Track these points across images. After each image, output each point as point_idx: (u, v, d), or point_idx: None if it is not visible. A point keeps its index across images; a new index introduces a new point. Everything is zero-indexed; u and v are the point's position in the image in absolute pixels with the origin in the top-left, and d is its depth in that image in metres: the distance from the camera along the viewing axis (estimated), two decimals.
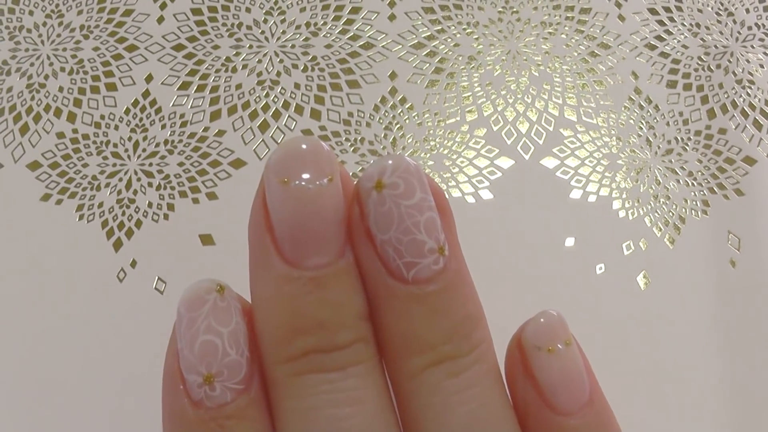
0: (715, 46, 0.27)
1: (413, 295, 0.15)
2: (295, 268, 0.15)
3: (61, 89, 0.26)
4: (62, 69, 0.26)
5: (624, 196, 0.24)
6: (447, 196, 0.24)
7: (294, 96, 0.26)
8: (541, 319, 0.16)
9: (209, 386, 0.14)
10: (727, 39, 0.27)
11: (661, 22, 0.27)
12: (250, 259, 0.16)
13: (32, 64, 0.26)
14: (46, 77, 0.26)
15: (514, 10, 0.27)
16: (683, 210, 0.24)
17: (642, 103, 0.26)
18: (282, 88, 0.26)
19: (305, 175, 0.14)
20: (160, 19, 0.27)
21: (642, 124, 0.25)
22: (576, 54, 0.27)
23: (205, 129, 0.25)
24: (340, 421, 0.15)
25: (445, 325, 0.15)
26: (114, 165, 0.24)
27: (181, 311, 0.15)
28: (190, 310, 0.15)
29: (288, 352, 0.15)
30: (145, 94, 0.26)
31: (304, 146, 0.15)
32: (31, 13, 0.27)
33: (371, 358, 0.15)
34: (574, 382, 0.16)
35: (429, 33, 0.27)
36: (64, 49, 0.27)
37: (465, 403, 0.15)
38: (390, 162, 0.15)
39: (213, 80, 0.26)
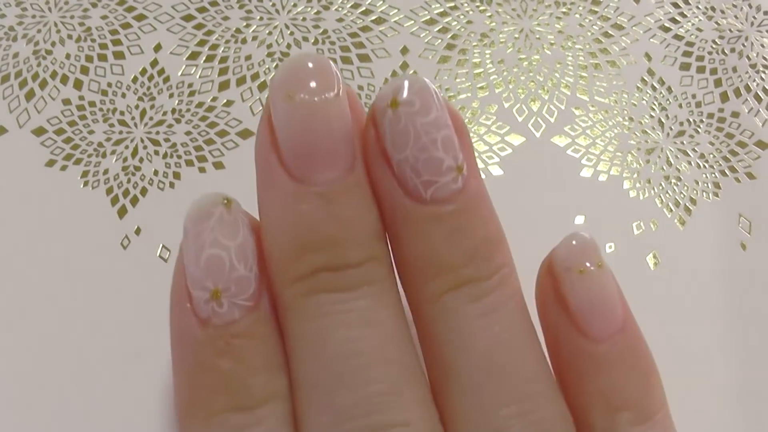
0: (730, 30, 0.27)
1: (432, 215, 0.14)
2: (302, 185, 0.14)
3: (68, 56, 0.26)
4: (69, 36, 0.26)
5: (635, 176, 0.24)
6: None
7: None
8: (573, 241, 0.16)
9: (216, 302, 0.14)
10: (741, 23, 0.27)
11: (675, 5, 0.27)
12: (257, 181, 0.15)
13: (39, 31, 0.26)
14: (53, 44, 0.26)
15: None
16: (694, 192, 0.24)
17: (655, 85, 0.26)
18: None
19: (310, 88, 0.14)
20: None
21: (654, 105, 0.25)
22: (589, 34, 0.27)
23: (214, 99, 0.25)
24: (352, 343, 0.14)
25: (466, 246, 0.15)
26: (120, 132, 0.24)
27: (187, 226, 0.14)
28: (196, 224, 0.14)
29: (297, 271, 0.14)
30: (153, 63, 0.26)
31: (309, 63, 0.14)
32: None
33: (385, 278, 0.15)
34: (606, 306, 0.15)
35: (442, 9, 0.27)
36: (72, 17, 0.26)
37: (487, 327, 0.15)
38: (405, 81, 0.14)
39: (222, 51, 0.26)
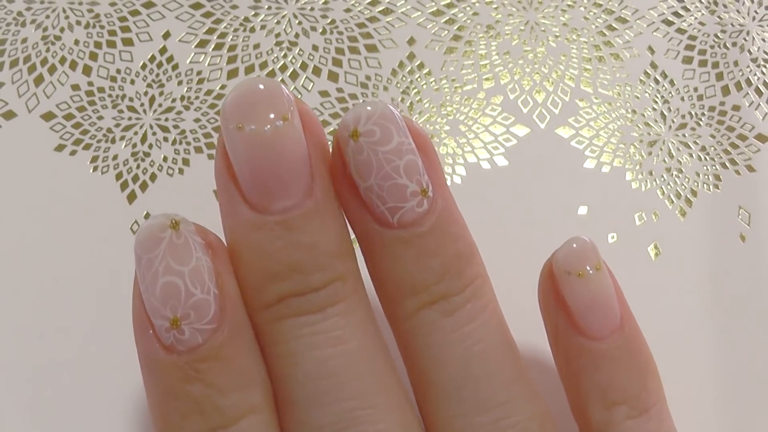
0: (732, 24, 0.27)
1: (401, 239, 0.15)
2: (261, 214, 0.15)
3: (77, 42, 0.26)
4: (78, 23, 0.26)
5: (637, 167, 0.24)
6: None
7: (312, 58, 0.26)
8: (573, 245, 0.16)
9: (177, 330, 0.14)
10: (743, 18, 0.27)
11: None
12: (220, 208, 0.15)
13: (48, 17, 0.26)
14: (62, 30, 0.26)
15: None
16: (695, 184, 0.24)
17: (657, 78, 0.26)
18: (300, 49, 0.26)
19: (259, 118, 0.14)
20: None
21: (657, 98, 0.26)
22: (594, 27, 0.27)
23: (222, 87, 0.25)
24: (322, 363, 0.14)
25: (435, 265, 0.15)
26: (129, 119, 0.24)
27: (138, 253, 0.14)
28: (147, 251, 0.14)
29: (264, 299, 0.15)
30: (162, 50, 0.26)
31: (256, 88, 0.14)
32: None
33: (351, 295, 0.15)
34: (604, 307, 0.16)
35: (448, 1, 0.27)
36: (80, 3, 0.26)
37: (462, 340, 0.15)
38: (366, 108, 0.15)
39: (231, 39, 0.26)
